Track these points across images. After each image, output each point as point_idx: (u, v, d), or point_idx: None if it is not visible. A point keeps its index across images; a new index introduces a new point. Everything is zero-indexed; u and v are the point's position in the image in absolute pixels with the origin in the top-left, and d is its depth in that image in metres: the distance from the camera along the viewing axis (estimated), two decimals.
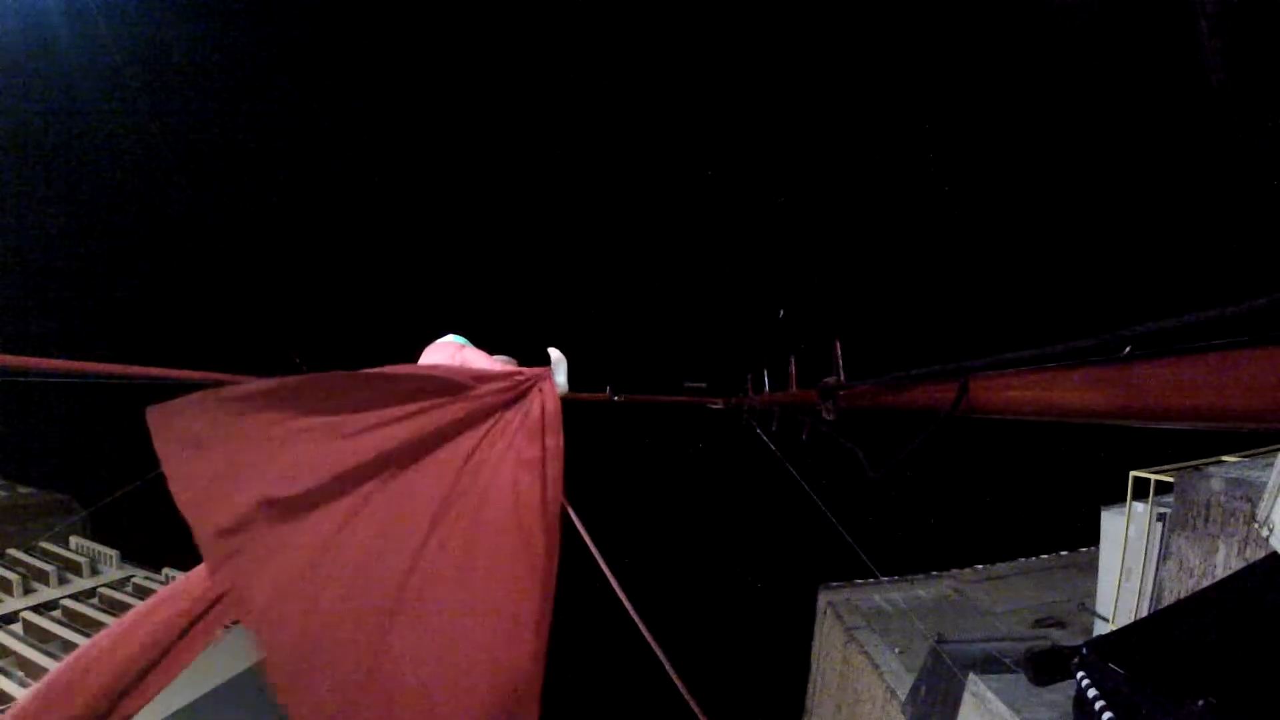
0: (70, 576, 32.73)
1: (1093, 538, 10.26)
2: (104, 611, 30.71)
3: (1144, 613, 8.29)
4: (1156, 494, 8.52)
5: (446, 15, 34.04)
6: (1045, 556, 15.22)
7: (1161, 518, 8.38)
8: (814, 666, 15.92)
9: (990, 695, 7.94)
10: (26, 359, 3.05)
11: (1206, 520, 7.49)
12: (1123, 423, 1.64)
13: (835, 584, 15.57)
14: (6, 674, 24.98)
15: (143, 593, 32.99)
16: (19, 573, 31.30)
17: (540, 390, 1.93)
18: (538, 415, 1.77)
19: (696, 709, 3.34)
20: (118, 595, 32.37)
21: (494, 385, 1.84)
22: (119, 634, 1.37)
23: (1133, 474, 8.72)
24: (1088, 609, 10.49)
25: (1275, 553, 5.69)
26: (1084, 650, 1.87)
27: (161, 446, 1.31)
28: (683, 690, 3.44)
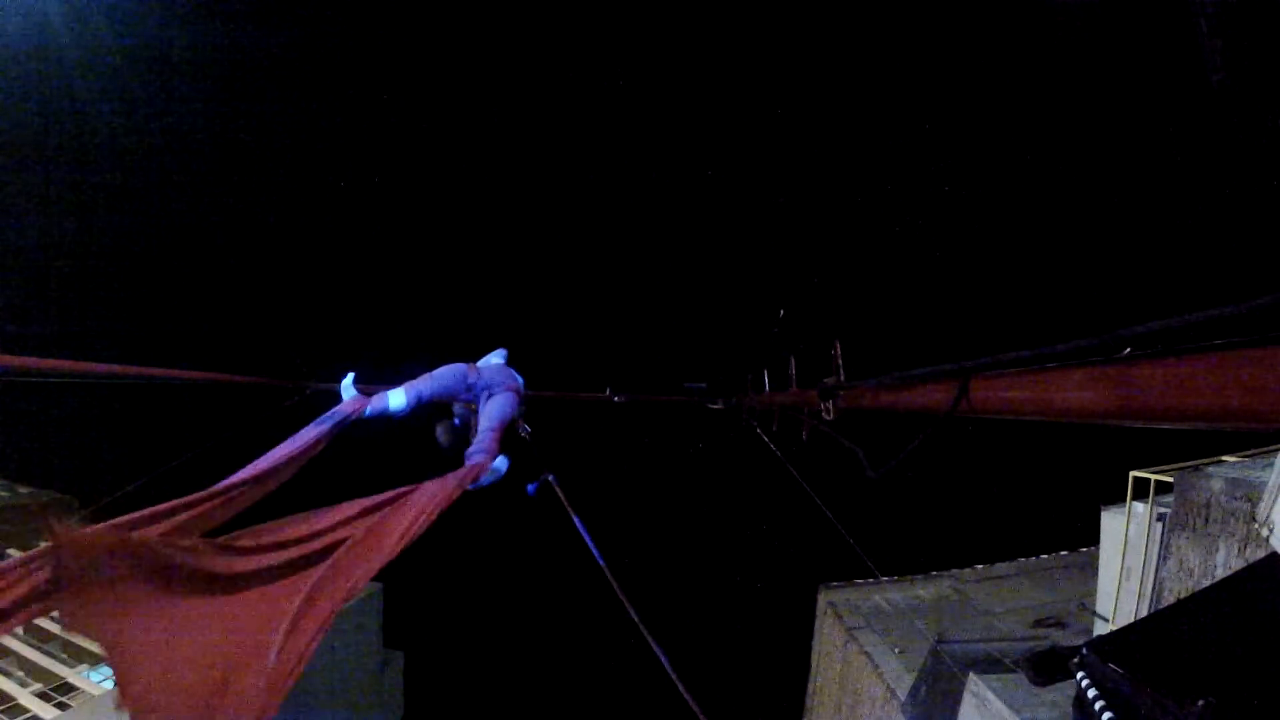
0: None
1: (1093, 538, 10.24)
2: None
3: (1144, 613, 8.28)
4: (1156, 494, 8.51)
5: (448, 15, 34.03)
6: (1045, 556, 15.20)
7: (1161, 518, 8.37)
8: (814, 666, 15.91)
9: (990, 695, 7.94)
10: (26, 359, 3.05)
11: (1206, 520, 7.49)
12: (1123, 423, 1.64)
13: (835, 584, 15.55)
14: (6, 674, 24.98)
15: None
16: None
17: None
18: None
19: (696, 709, 3.34)
20: None
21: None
22: None
23: (1133, 474, 8.70)
24: (1088, 609, 10.48)
25: (1275, 553, 5.68)
26: (1084, 650, 1.87)
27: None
28: (683, 690, 3.44)
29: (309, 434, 2.59)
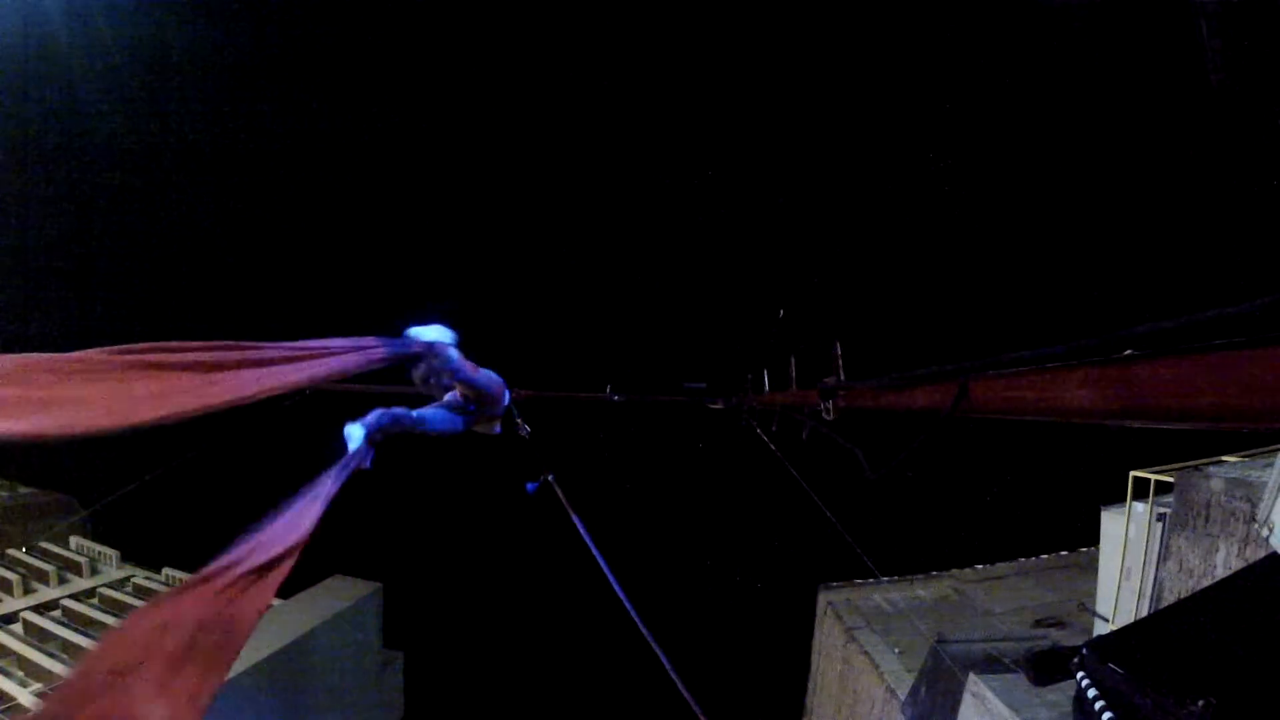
0: (70, 576, 32.70)
1: (1093, 538, 10.25)
2: (104, 611, 30.71)
3: (1144, 613, 8.29)
4: (1156, 494, 8.52)
5: (448, 14, 34.03)
6: (1045, 556, 15.21)
7: (1161, 518, 8.38)
8: (814, 666, 15.92)
9: (990, 695, 7.93)
10: None
11: (1206, 520, 7.49)
12: (1123, 423, 1.64)
13: (835, 584, 15.55)
14: (6, 674, 24.98)
15: (143, 593, 32.98)
16: (19, 573, 31.28)
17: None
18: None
19: (697, 709, 3.35)
20: (118, 595, 32.36)
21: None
22: None
23: (1133, 474, 8.71)
24: (1088, 609, 10.48)
25: (1275, 553, 5.69)
26: (1084, 650, 1.87)
27: None
28: (683, 690, 3.44)
29: (371, 353, 2.62)
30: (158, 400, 1.75)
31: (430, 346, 3.18)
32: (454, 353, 3.30)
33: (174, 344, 1.87)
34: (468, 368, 3.41)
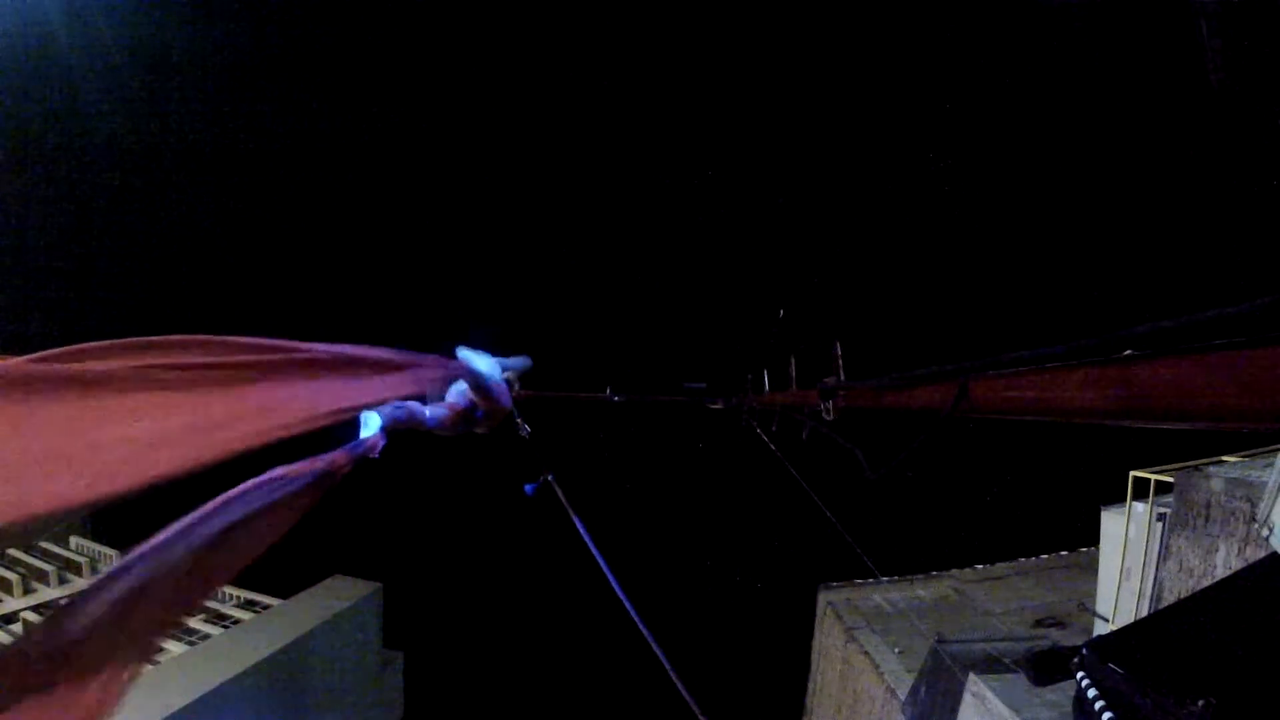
0: (70, 576, 32.72)
1: (1093, 538, 10.26)
2: None
3: (1144, 613, 8.29)
4: (1156, 494, 8.52)
5: (447, 14, 34.05)
6: (1045, 556, 15.23)
7: (1161, 518, 8.38)
8: (814, 666, 15.93)
9: (990, 695, 7.94)
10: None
11: (1206, 520, 7.50)
12: (1122, 423, 1.64)
13: (835, 584, 15.57)
14: None
15: None
16: (19, 573, 31.30)
17: None
18: None
19: (696, 709, 3.35)
20: None
21: None
22: None
23: (1133, 474, 8.72)
24: (1088, 609, 10.49)
25: (1275, 553, 5.69)
26: (1084, 650, 1.87)
27: None
28: (683, 690, 3.44)
29: (418, 374, 2.43)
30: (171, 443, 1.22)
31: (476, 375, 3.13)
32: (494, 381, 3.27)
33: (175, 341, 1.36)
34: (494, 387, 3.39)
